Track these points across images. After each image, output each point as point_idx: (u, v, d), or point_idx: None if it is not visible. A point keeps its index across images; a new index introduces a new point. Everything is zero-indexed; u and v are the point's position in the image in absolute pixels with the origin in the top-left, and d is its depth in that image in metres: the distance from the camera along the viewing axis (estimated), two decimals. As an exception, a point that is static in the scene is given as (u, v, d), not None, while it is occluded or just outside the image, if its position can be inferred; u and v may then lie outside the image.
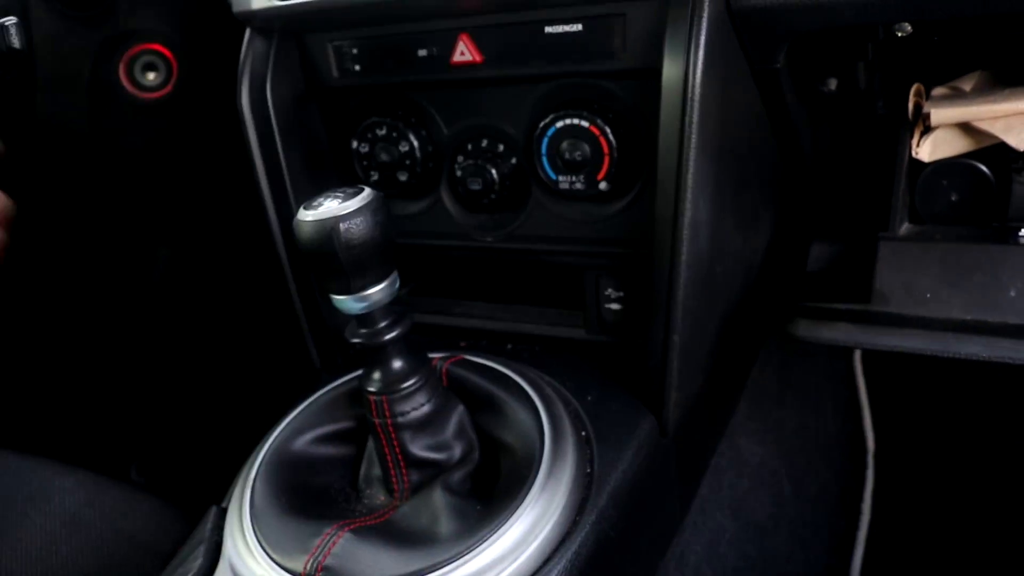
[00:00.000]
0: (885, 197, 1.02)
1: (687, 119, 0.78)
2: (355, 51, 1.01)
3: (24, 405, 1.57)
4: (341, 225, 0.69)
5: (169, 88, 1.21)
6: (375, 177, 1.04)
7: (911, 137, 1.03)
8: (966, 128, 1.00)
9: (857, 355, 1.63)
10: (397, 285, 0.76)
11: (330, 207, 0.70)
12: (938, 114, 0.99)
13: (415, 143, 1.01)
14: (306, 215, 0.71)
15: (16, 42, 0.94)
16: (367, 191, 0.72)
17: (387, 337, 0.76)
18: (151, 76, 1.20)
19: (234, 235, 1.61)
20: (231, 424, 1.56)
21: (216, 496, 0.90)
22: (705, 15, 0.77)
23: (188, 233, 1.74)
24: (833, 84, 0.95)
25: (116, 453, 1.68)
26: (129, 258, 1.75)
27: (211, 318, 1.69)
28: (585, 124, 0.89)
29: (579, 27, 0.87)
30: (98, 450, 1.57)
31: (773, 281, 1.13)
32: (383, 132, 1.02)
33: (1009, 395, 1.54)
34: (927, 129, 1.02)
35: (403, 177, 1.03)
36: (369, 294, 0.73)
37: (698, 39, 0.77)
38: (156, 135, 1.23)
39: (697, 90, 0.77)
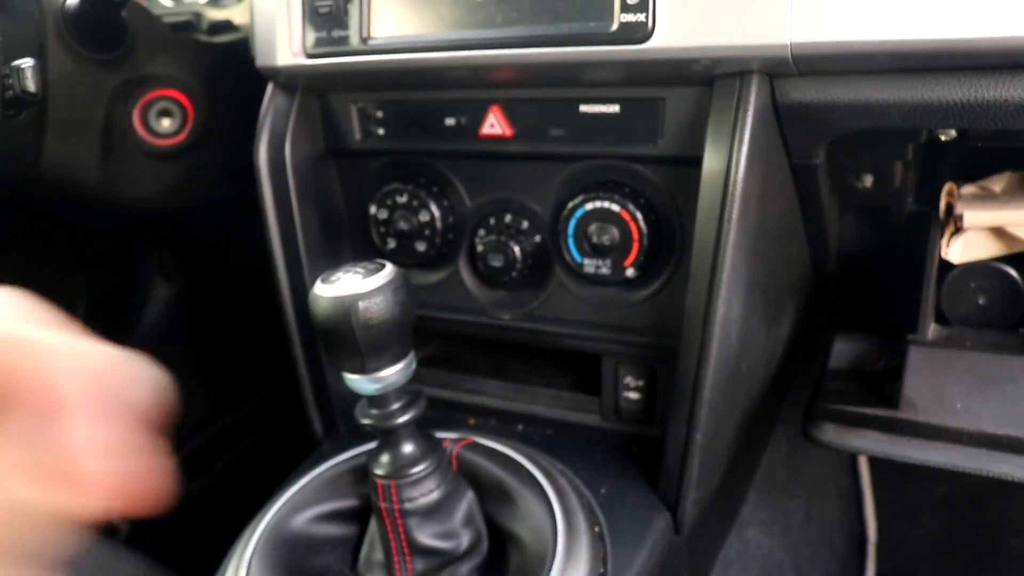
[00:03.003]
0: (910, 295, 1.00)
1: (726, 215, 0.75)
2: (380, 114, 0.98)
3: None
4: (360, 304, 0.66)
5: (183, 136, 1.18)
6: (392, 245, 1.01)
7: (941, 236, 1.01)
8: (998, 232, 0.99)
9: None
10: (414, 367, 0.72)
11: (349, 283, 0.67)
12: (972, 216, 0.97)
13: (436, 213, 0.98)
14: (323, 290, 0.67)
15: (31, 85, 0.91)
16: (388, 268, 0.69)
17: (399, 420, 0.72)
18: (166, 123, 1.17)
19: (239, 290, 1.58)
20: (223, 488, 1.51)
21: (206, 565, 0.86)
22: (751, 108, 0.74)
23: (190, 279, 1.70)
24: (869, 181, 0.93)
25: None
26: (125, 296, 1.71)
27: (208, 372, 1.64)
28: (616, 208, 0.87)
29: (616, 108, 0.84)
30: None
31: (793, 374, 1.10)
32: (403, 199, 0.99)
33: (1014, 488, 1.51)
34: (958, 230, 1.00)
35: (421, 247, 1.00)
36: (384, 375, 0.70)
37: (743, 132, 0.74)
38: (167, 183, 1.20)
39: (739, 185, 0.74)
